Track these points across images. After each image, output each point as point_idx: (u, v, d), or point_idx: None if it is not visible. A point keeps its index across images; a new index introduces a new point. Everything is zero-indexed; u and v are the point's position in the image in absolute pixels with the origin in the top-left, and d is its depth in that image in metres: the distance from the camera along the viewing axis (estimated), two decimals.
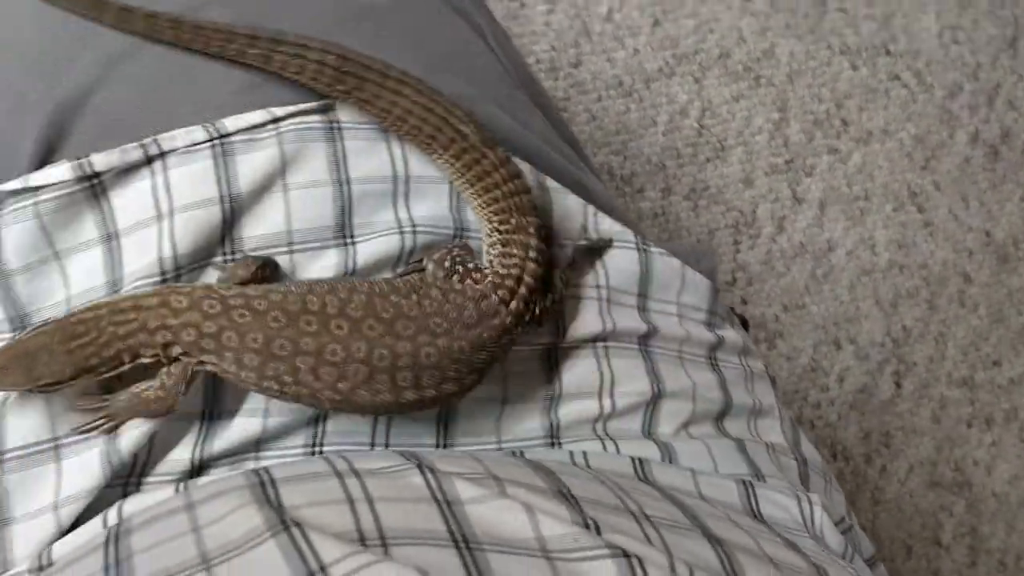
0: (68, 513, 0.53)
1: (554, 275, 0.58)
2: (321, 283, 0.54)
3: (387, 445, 0.58)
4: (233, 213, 0.56)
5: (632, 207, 1.25)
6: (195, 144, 0.56)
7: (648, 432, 0.61)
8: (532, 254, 0.56)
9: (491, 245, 0.58)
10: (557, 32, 1.26)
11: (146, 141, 0.55)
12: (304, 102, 0.58)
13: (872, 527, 1.32)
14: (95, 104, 0.57)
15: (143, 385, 0.53)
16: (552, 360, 0.60)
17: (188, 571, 0.42)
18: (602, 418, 0.60)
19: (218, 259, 0.56)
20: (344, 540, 0.41)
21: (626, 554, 0.41)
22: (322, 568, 0.39)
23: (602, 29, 1.29)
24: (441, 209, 0.59)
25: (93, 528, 0.52)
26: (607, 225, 0.63)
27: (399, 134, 0.58)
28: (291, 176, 0.57)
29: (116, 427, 0.53)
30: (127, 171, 0.56)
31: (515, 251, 0.56)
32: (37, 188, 0.54)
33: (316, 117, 0.58)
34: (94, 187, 0.55)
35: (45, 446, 0.54)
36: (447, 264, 0.56)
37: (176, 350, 0.52)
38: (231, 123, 0.56)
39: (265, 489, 0.46)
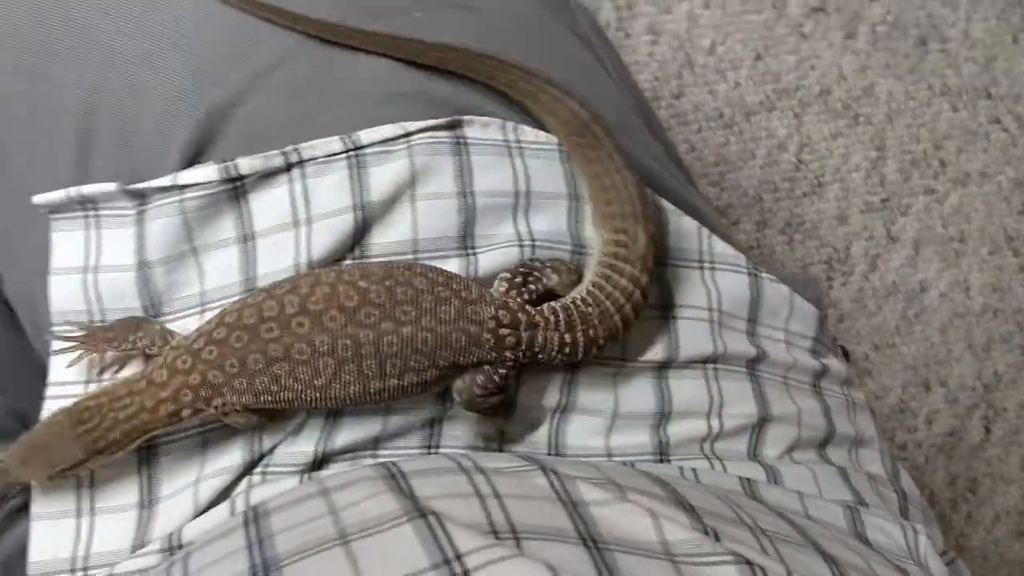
0: (205, 494, 0.56)
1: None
2: (282, 283, 0.55)
3: (499, 450, 0.60)
4: (364, 221, 0.58)
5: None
6: (332, 154, 0.58)
7: (753, 454, 0.62)
8: (635, 296, 0.57)
9: (600, 264, 0.59)
10: (660, 63, 1.28)
11: (287, 149, 0.58)
12: (434, 119, 0.60)
13: None
14: (243, 112, 0.60)
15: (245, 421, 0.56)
16: (663, 378, 0.61)
17: (327, 545, 0.43)
18: (710, 438, 0.61)
19: (346, 264, 0.59)
20: (478, 532, 0.42)
21: (748, 562, 0.42)
22: (457, 556, 0.40)
23: (705, 62, 1.30)
24: (559, 225, 0.61)
25: (220, 514, 0.55)
26: (720, 248, 0.65)
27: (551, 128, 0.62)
28: (419, 187, 0.59)
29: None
30: (266, 176, 0.58)
31: (620, 283, 0.58)
32: (184, 186, 0.57)
33: (445, 133, 0.60)
34: (236, 189, 0.58)
35: (192, 431, 0.57)
36: (517, 280, 0.58)
37: (186, 413, 0.54)
38: (366, 136, 0.59)
39: (397, 480, 0.48)
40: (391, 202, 0.59)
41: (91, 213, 0.59)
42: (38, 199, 0.58)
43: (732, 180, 1.31)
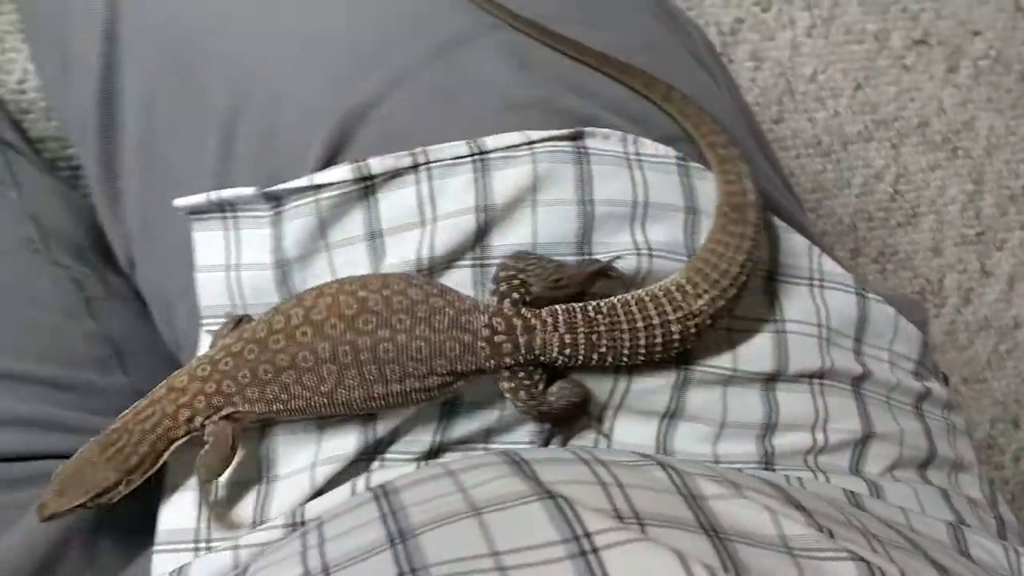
0: (323, 476, 0.58)
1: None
2: (290, 299, 0.57)
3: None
4: (486, 223, 0.60)
5: None
6: (458, 158, 0.60)
7: (856, 470, 0.63)
8: (699, 302, 0.58)
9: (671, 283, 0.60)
10: (762, 88, 1.29)
11: (416, 151, 0.60)
12: (557, 128, 0.62)
13: None
14: (376, 116, 0.62)
15: (204, 449, 0.57)
16: (771, 390, 0.62)
17: (460, 516, 0.45)
18: (814, 451, 0.62)
19: (466, 261, 0.61)
20: (605, 515, 0.43)
21: (864, 560, 0.42)
22: (587, 534, 0.41)
23: (805, 89, 1.32)
24: (676, 236, 0.62)
25: (343, 493, 0.57)
26: (829, 266, 0.66)
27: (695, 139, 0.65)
28: (541, 193, 0.61)
29: (207, 493, 0.59)
30: (395, 177, 0.61)
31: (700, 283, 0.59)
32: (319, 186, 0.60)
33: (567, 142, 0.62)
34: (366, 189, 0.61)
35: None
36: (501, 287, 0.58)
37: (198, 420, 0.57)
38: (491, 141, 0.61)
39: (520, 466, 0.49)
40: (513, 206, 0.61)
41: (229, 215, 0.62)
42: (179, 203, 0.62)
43: (828, 207, 1.31)
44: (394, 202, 0.61)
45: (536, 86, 0.64)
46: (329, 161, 0.63)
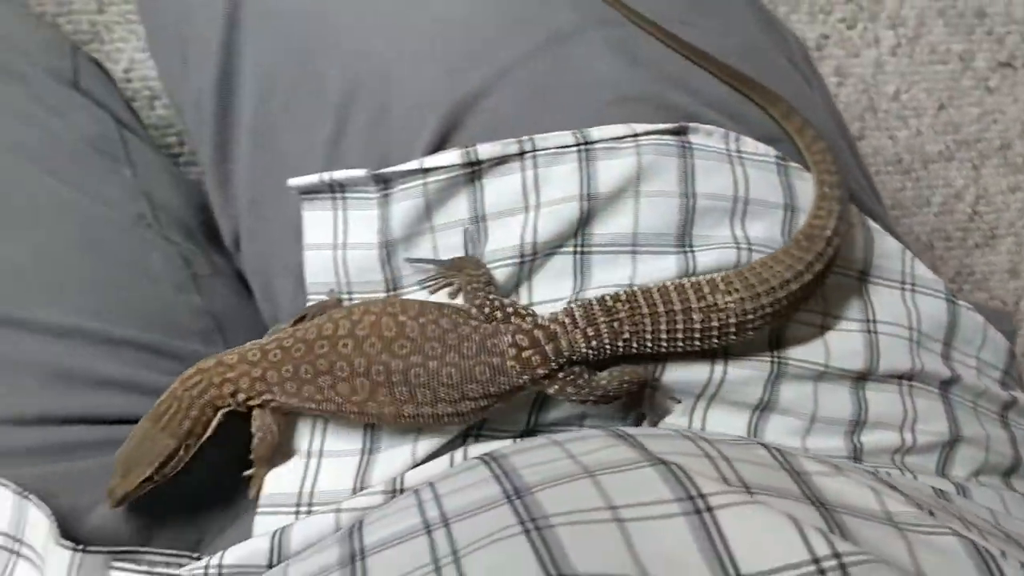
0: (424, 450, 0.60)
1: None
2: (341, 309, 0.60)
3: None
4: (589, 211, 0.62)
5: None
6: (563, 146, 0.62)
7: (941, 472, 0.63)
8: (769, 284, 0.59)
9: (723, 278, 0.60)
10: (845, 104, 1.30)
11: (523, 139, 0.62)
12: (661, 123, 0.63)
13: None
14: (486, 105, 0.64)
15: (255, 441, 0.61)
16: (861, 388, 0.63)
17: (573, 477, 0.46)
18: (901, 450, 0.63)
19: (567, 248, 0.63)
20: (716, 481, 0.44)
21: (969, 539, 0.43)
22: (701, 495, 0.42)
23: (888, 107, 1.32)
24: (774, 232, 0.63)
25: (441, 464, 0.59)
26: (921, 271, 0.66)
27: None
28: (644, 184, 0.62)
29: (260, 478, 0.62)
30: (501, 163, 0.62)
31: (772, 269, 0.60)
32: (428, 170, 0.62)
33: (671, 137, 0.63)
34: (473, 173, 0.62)
35: None
36: (479, 304, 0.60)
37: (241, 396, 0.60)
38: (596, 132, 0.62)
39: (625, 439, 0.51)
40: (616, 195, 0.62)
41: (338, 195, 0.64)
42: (292, 182, 0.64)
43: (906, 225, 1.31)
44: (499, 188, 0.63)
45: (641, 81, 0.65)
46: (438, 147, 0.64)
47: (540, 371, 0.58)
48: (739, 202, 0.63)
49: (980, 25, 1.37)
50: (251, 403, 0.61)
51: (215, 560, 0.56)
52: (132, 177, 0.77)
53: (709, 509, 0.41)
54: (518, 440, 0.60)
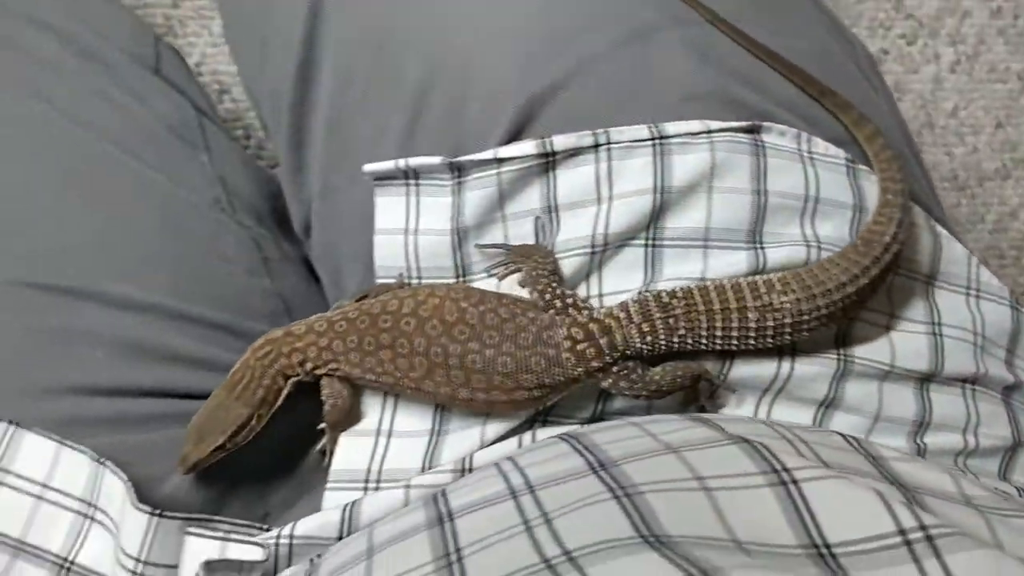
0: (493, 433, 0.61)
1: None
2: (406, 288, 0.62)
3: None
4: (662, 204, 0.62)
5: None
6: (638, 140, 0.63)
7: (1003, 476, 0.64)
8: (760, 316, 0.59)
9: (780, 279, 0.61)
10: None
11: (598, 131, 0.63)
12: (734, 120, 0.64)
13: None
14: (562, 98, 0.65)
15: (326, 407, 0.63)
16: (925, 389, 0.63)
17: (657, 452, 0.47)
18: (964, 453, 0.63)
19: (638, 241, 0.63)
20: (799, 458, 0.45)
21: None
22: (785, 469, 0.43)
23: (945, 124, 1.32)
24: (843, 232, 0.64)
25: (511, 444, 0.60)
26: (986, 277, 0.67)
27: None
28: (717, 180, 0.63)
29: (333, 442, 0.64)
30: (574, 155, 0.63)
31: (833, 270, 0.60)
32: (502, 160, 0.63)
33: (744, 135, 0.64)
34: (547, 164, 0.63)
35: None
36: (541, 290, 0.61)
37: (308, 366, 0.62)
38: (672, 127, 0.63)
39: (702, 420, 0.51)
40: (689, 190, 0.63)
41: (412, 183, 0.65)
42: (368, 168, 0.65)
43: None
44: (572, 179, 0.64)
45: (715, 80, 0.66)
46: (512, 138, 0.65)
47: (594, 364, 0.59)
48: (810, 201, 0.64)
49: None
50: (318, 372, 0.62)
51: (286, 531, 0.58)
52: (209, 163, 0.79)
53: (795, 482, 0.42)
54: (585, 427, 0.61)
